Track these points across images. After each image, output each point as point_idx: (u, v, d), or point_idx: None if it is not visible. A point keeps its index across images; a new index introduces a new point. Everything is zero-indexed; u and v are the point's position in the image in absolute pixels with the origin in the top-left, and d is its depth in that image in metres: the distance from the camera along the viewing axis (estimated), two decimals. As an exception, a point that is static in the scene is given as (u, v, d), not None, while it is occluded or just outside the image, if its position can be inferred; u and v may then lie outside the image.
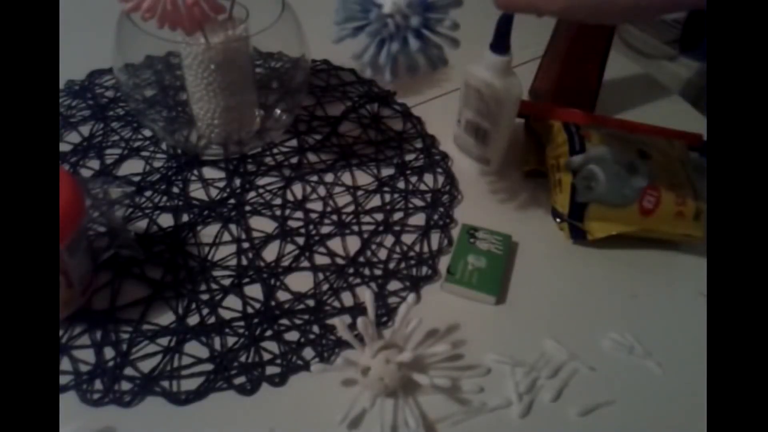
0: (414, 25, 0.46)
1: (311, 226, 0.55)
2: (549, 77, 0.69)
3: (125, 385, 0.43)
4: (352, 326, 0.47)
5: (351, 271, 0.52)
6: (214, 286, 0.50)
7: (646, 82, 0.78)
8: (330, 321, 0.48)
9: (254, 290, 0.50)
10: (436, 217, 0.57)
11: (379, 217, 0.57)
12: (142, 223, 0.54)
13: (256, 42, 0.54)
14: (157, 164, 0.60)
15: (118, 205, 0.55)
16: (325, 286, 0.51)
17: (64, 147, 0.61)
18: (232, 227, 0.55)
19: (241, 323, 0.48)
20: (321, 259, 0.53)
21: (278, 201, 0.57)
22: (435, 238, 0.55)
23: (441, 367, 0.46)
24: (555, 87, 0.67)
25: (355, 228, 0.56)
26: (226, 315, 0.48)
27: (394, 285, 0.51)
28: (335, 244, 0.54)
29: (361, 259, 0.53)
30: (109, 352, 0.45)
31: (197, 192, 0.58)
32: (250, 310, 0.48)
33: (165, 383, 0.44)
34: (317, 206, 0.57)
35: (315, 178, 0.60)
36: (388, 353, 0.42)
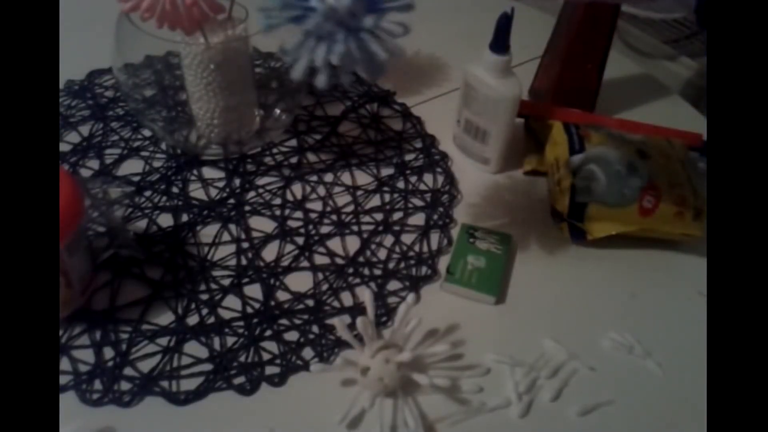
0: (368, 26, 0.39)
1: (311, 226, 0.55)
2: (549, 77, 0.69)
3: (125, 385, 0.43)
4: (352, 326, 0.47)
5: (350, 271, 0.52)
6: (213, 286, 0.50)
7: (645, 82, 0.78)
8: (329, 321, 0.48)
9: (254, 290, 0.50)
10: (435, 216, 0.57)
11: (379, 216, 0.57)
12: (142, 223, 0.54)
13: (256, 42, 0.54)
14: (156, 164, 0.60)
15: (117, 205, 0.55)
16: (325, 286, 0.51)
17: (63, 147, 0.61)
18: (232, 227, 0.55)
19: (241, 323, 0.47)
20: (320, 259, 0.53)
21: (278, 201, 0.57)
22: (434, 237, 0.55)
23: (440, 367, 0.46)
24: (555, 87, 0.67)
25: (355, 228, 0.56)
26: (226, 315, 0.48)
27: (393, 285, 0.51)
28: (335, 244, 0.54)
29: (361, 259, 0.53)
30: (108, 352, 0.45)
31: (197, 192, 0.58)
32: (249, 310, 0.48)
33: (164, 383, 0.44)
34: (317, 206, 0.57)
35: (314, 177, 0.60)
36: (388, 353, 0.42)
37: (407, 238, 0.55)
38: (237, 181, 0.59)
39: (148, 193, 0.57)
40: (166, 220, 0.55)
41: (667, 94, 0.76)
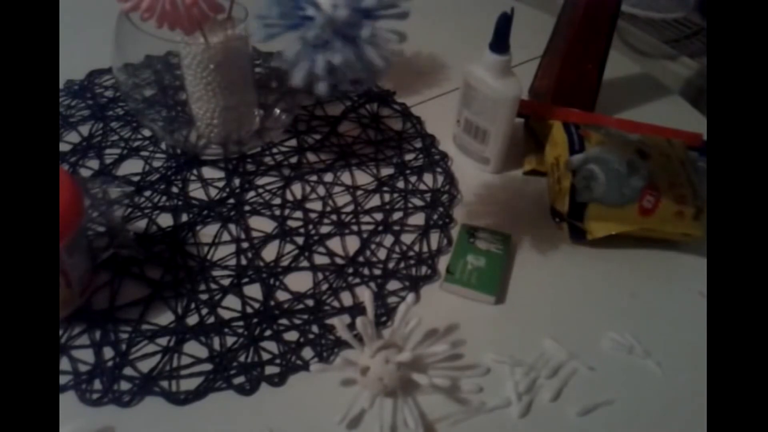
0: (365, 36, 0.40)
1: (310, 226, 0.55)
2: (548, 77, 0.69)
3: (124, 385, 0.43)
4: (352, 326, 0.47)
5: (350, 270, 0.52)
6: (213, 285, 0.50)
7: (645, 82, 0.78)
8: (329, 321, 0.48)
9: (253, 290, 0.50)
10: (435, 216, 0.57)
11: (379, 216, 0.57)
12: (142, 223, 0.54)
13: (256, 42, 0.54)
14: (156, 164, 0.60)
15: (117, 205, 0.55)
16: (325, 286, 0.51)
17: (63, 147, 0.61)
18: (232, 227, 0.55)
19: (241, 323, 0.47)
20: (320, 259, 0.53)
21: (277, 201, 0.57)
22: (434, 237, 0.55)
23: (440, 367, 0.46)
24: (554, 87, 0.67)
25: (355, 228, 0.56)
26: (226, 315, 0.48)
27: (393, 285, 0.51)
28: (335, 243, 0.54)
29: (361, 258, 0.53)
30: (108, 352, 0.45)
31: (196, 192, 0.57)
32: (249, 309, 0.48)
33: (164, 383, 0.44)
34: (316, 206, 0.57)
35: (314, 177, 0.60)
36: (388, 353, 0.42)
37: (407, 238, 0.55)
38: (237, 181, 0.59)
39: (147, 193, 0.57)
40: (165, 220, 0.55)
41: (667, 94, 0.76)
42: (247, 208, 0.56)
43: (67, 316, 0.46)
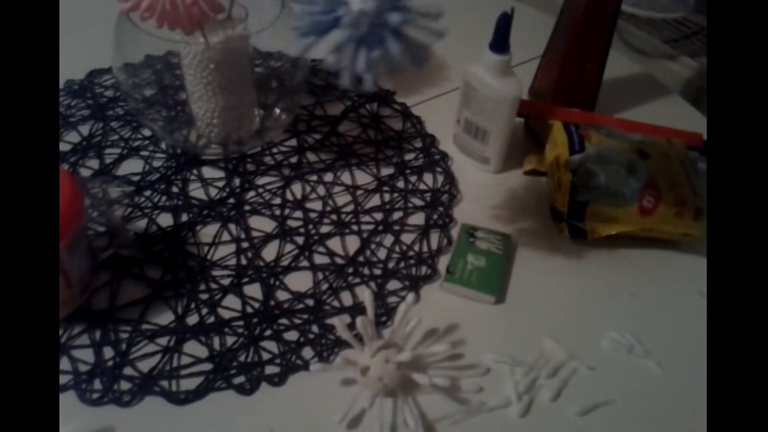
0: (393, 23, 0.40)
1: (310, 226, 0.55)
2: (548, 77, 0.69)
3: (124, 385, 0.43)
4: (352, 326, 0.47)
5: (350, 270, 0.52)
6: (213, 285, 0.50)
7: (645, 82, 0.78)
8: (329, 320, 0.48)
9: (253, 290, 0.50)
10: (435, 216, 0.57)
11: (379, 216, 0.57)
12: (142, 223, 0.54)
13: (256, 41, 0.54)
14: (156, 164, 0.60)
15: (117, 205, 0.55)
16: (325, 286, 0.51)
17: (63, 146, 0.61)
18: (232, 227, 0.55)
19: (241, 323, 0.47)
20: (320, 259, 0.53)
21: (277, 200, 0.57)
22: (434, 237, 0.55)
23: (440, 367, 0.46)
24: (554, 86, 0.67)
25: (355, 227, 0.55)
26: (226, 315, 0.48)
27: (393, 284, 0.51)
28: (335, 243, 0.54)
29: (361, 258, 0.53)
30: (108, 352, 0.45)
31: (196, 191, 0.57)
32: (249, 309, 0.48)
33: (164, 383, 0.44)
34: (316, 206, 0.57)
35: (314, 177, 0.60)
36: (388, 353, 0.42)
37: (407, 238, 0.55)
38: (237, 181, 0.59)
39: (147, 193, 0.57)
40: (165, 220, 0.55)
41: (667, 93, 0.76)
42: (247, 207, 0.56)
43: (67, 316, 0.46)
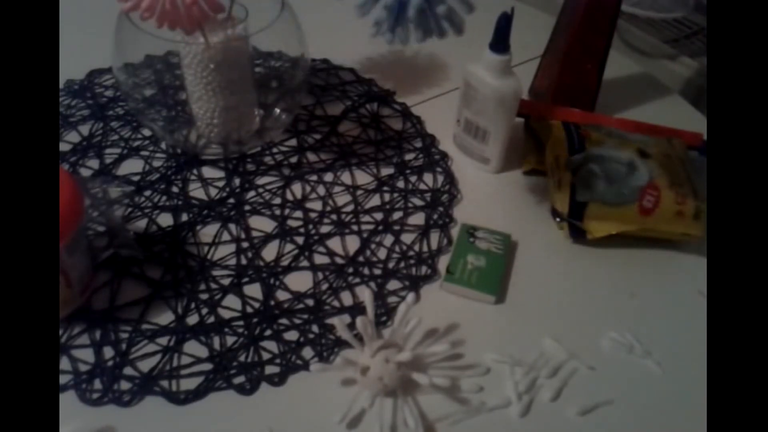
0: None
1: (311, 226, 0.55)
2: (549, 76, 0.69)
3: (124, 385, 0.43)
4: (352, 326, 0.47)
5: (350, 270, 0.52)
6: (213, 285, 0.50)
7: (645, 82, 0.78)
8: (329, 320, 0.48)
9: (253, 290, 0.50)
10: (435, 216, 0.57)
11: (379, 216, 0.57)
12: (142, 223, 0.54)
13: (256, 41, 0.54)
14: (156, 164, 0.60)
15: (117, 205, 0.55)
16: (325, 286, 0.51)
17: (63, 146, 0.61)
18: (232, 227, 0.55)
19: (241, 323, 0.47)
20: (320, 259, 0.53)
21: (278, 200, 0.57)
22: (434, 237, 0.55)
23: (440, 367, 0.46)
24: (555, 86, 0.67)
25: (355, 227, 0.56)
26: (226, 314, 0.48)
27: (393, 284, 0.51)
28: (335, 243, 0.54)
29: (361, 258, 0.53)
30: (108, 352, 0.45)
31: (197, 191, 0.57)
32: (249, 309, 0.48)
33: (164, 383, 0.44)
34: (317, 206, 0.57)
35: (314, 177, 0.60)
36: (388, 353, 0.42)
37: (407, 238, 0.55)
38: (237, 181, 0.59)
39: (147, 193, 0.57)
40: (165, 220, 0.55)
41: (667, 93, 0.76)
42: (247, 207, 0.56)
43: (67, 316, 0.46)
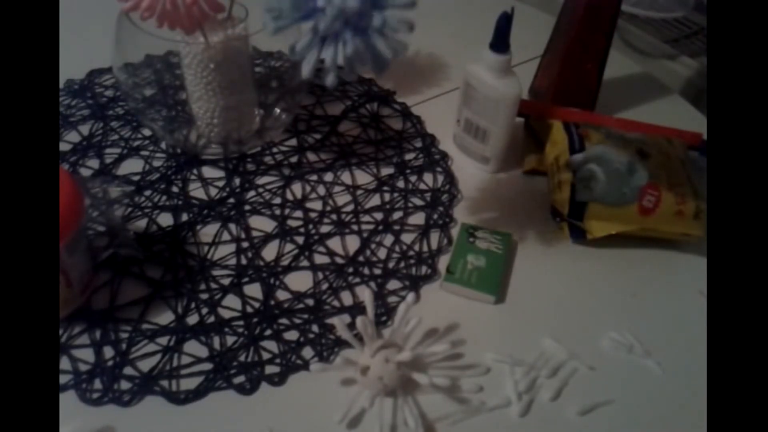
0: (377, 25, 0.39)
1: (311, 226, 0.55)
2: (549, 76, 0.69)
3: (124, 385, 0.43)
4: (352, 325, 0.47)
5: (350, 270, 0.52)
6: (213, 285, 0.50)
7: (645, 81, 0.78)
8: (329, 320, 0.48)
9: (253, 289, 0.50)
10: (435, 216, 0.57)
11: (379, 216, 0.57)
12: (142, 223, 0.54)
13: (256, 41, 0.54)
14: (156, 163, 0.60)
15: (117, 205, 0.55)
16: (325, 286, 0.51)
17: (63, 146, 0.61)
18: (232, 226, 0.55)
19: (241, 322, 0.47)
20: (320, 259, 0.53)
21: (278, 200, 0.57)
22: (434, 237, 0.55)
23: (440, 367, 0.46)
24: (555, 86, 0.67)
25: (355, 227, 0.56)
26: (226, 314, 0.48)
27: (393, 284, 0.51)
28: (335, 243, 0.54)
29: (361, 258, 0.53)
30: (108, 352, 0.45)
31: (197, 191, 0.57)
32: (249, 309, 0.48)
33: (164, 383, 0.44)
34: (317, 205, 0.57)
35: (314, 177, 0.60)
36: (388, 352, 0.42)
37: (407, 238, 0.55)
38: (237, 181, 0.59)
39: (147, 193, 0.57)
40: (165, 220, 0.55)
41: (667, 93, 0.76)
42: (247, 207, 0.56)
43: (67, 316, 0.46)
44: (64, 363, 0.44)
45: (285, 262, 0.52)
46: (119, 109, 0.65)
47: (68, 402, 0.42)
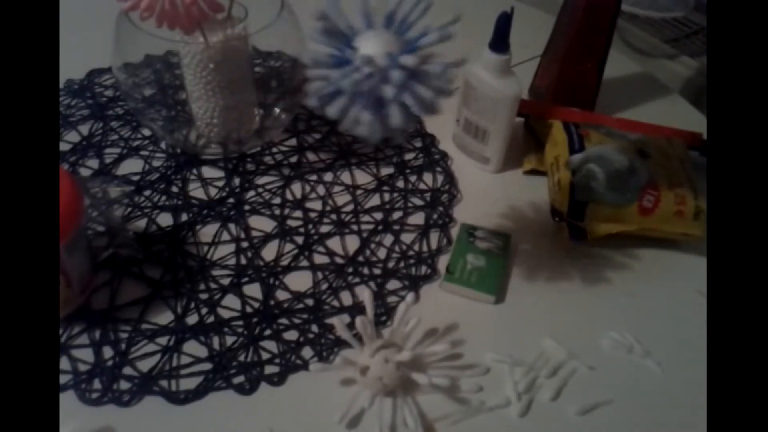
0: (396, 82, 0.38)
1: (310, 226, 0.55)
2: (548, 76, 0.69)
3: (124, 385, 0.43)
4: (351, 325, 0.47)
5: (350, 270, 0.52)
6: (213, 285, 0.50)
7: (645, 81, 0.78)
8: (329, 320, 0.48)
9: (253, 289, 0.50)
10: (435, 216, 0.57)
11: (379, 216, 0.57)
12: (141, 223, 0.54)
13: (255, 41, 0.54)
14: (156, 163, 0.60)
15: (117, 205, 0.55)
16: (324, 286, 0.51)
17: (63, 146, 0.61)
18: (231, 226, 0.55)
19: (240, 322, 0.47)
20: (320, 259, 0.53)
21: (277, 200, 0.57)
22: (434, 237, 0.55)
23: (440, 367, 0.46)
24: (554, 86, 0.67)
25: (355, 227, 0.55)
26: (225, 314, 0.48)
27: (393, 284, 0.51)
28: (334, 243, 0.54)
29: (360, 258, 0.53)
30: (108, 352, 0.45)
31: (196, 191, 0.57)
32: (249, 309, 0.48)
33: (164, 383, 0.44)
34: (316, 205, 0.57)
35: (314, 177, 0.60)
36: (387, 352, 0.42)
37: (407, 238, 0.55)
38: (236, 181, 0.59)
39: (147, 193, 0.57)
40: (165, 220, 0.55)
41: (667, 93, 0.76)
42: (246, 207, 0.56)
43: (67, 316, 0.46)
44: (64, 363, 0.44)
45: (285, 262, 0.52)
46: (119, 109, 0.65)
47: (68, 402, 0.42)
